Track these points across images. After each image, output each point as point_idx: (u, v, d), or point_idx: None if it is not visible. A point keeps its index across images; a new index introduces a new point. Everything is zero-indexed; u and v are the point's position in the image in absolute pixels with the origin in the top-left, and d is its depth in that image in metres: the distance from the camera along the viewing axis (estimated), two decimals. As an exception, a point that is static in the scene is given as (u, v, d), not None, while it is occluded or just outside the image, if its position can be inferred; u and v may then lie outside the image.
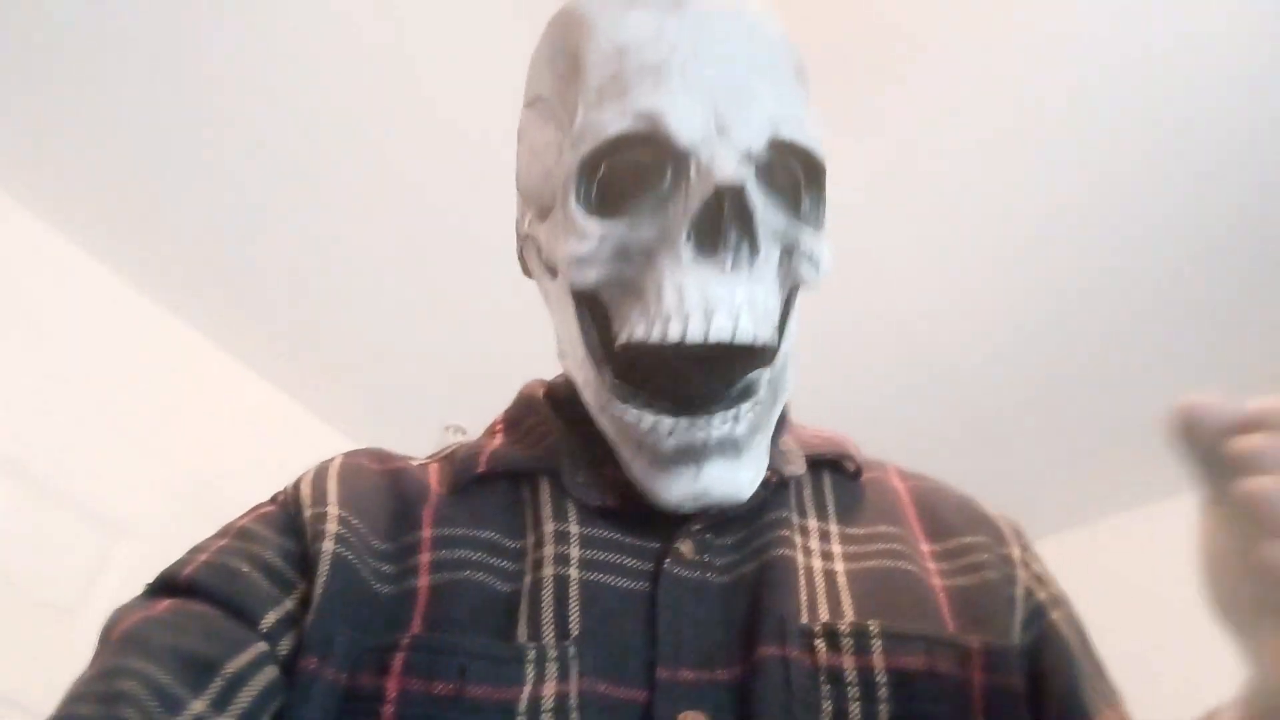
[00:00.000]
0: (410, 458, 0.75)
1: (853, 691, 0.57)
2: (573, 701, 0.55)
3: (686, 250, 0.61)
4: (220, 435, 2.65)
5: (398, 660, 0.56)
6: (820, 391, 2.52)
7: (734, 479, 0.63)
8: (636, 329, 0.62)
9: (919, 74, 1.94)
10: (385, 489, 0.68)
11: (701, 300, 0.60)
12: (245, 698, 0.54)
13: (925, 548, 0.69)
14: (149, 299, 2.59)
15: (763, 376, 0.65)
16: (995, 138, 2.05)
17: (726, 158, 0.62)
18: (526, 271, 0.78)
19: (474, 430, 2.75)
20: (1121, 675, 0.69)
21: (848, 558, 0.66)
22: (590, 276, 0.65)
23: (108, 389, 2.43)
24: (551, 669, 0.56)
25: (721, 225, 0.60)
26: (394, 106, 2.08)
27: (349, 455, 0.71)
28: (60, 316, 2.41)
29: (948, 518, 0.71)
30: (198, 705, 0.52)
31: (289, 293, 2.58)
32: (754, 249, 0.62)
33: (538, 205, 0.71)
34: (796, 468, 0.70)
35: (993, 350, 2.56)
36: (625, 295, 0.64)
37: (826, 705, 0.56)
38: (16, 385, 2.26)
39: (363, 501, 0.66)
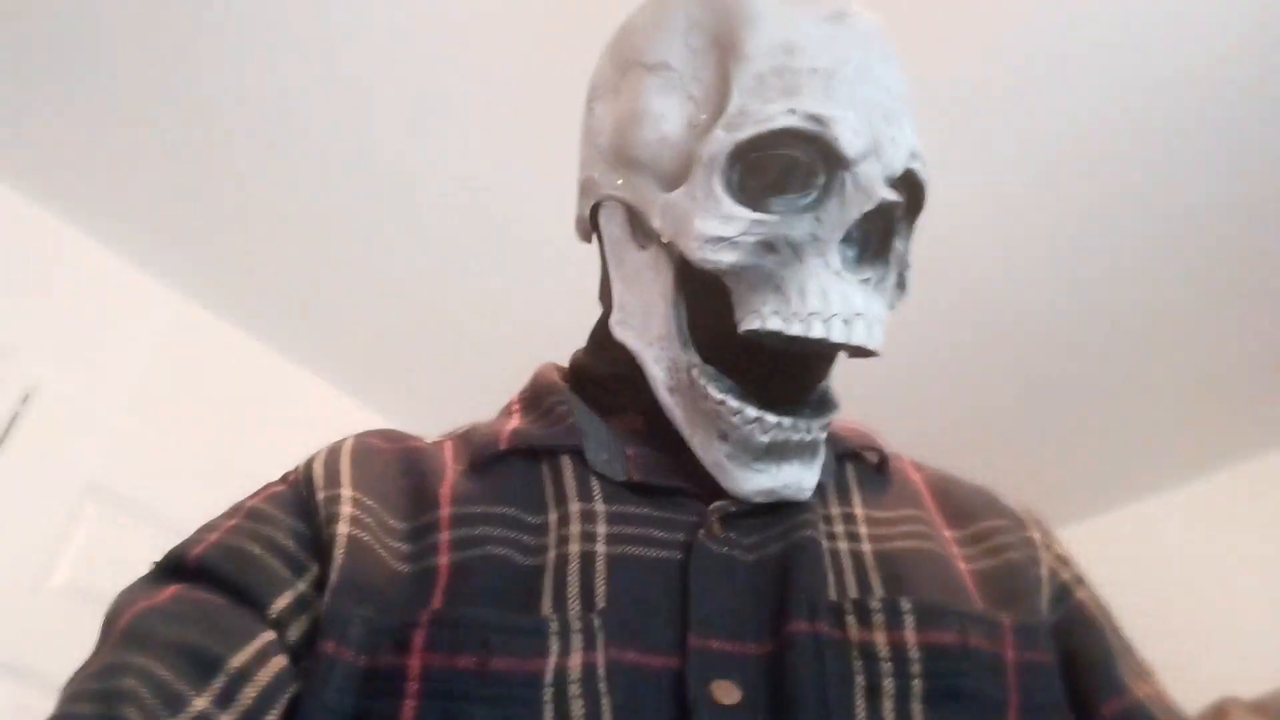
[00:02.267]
0: (422, 437, 0.75)
1: (886, 667, 0.56)
2: (600, 671, 0.54)
3: (839, 257, 0.63)
4: (299, 447, 2.69)
5: (418, 637, 0.55)
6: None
7: (806, 479, 0.65)
8: (770, 320, 0.63)
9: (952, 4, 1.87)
10: (399, 468, 0.68)
11: (846, 307, 0.62)
12: (250, 693, 0.53)
13: (948, 534, 0.69)
14: (220, 317, 2.60)
15: (830, 387, 0.69)
16: (1037, 83, 1.96)
17: (883, 178, 0.64)
18: (586, 234, 0.77)
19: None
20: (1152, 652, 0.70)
21: (874, 539, 0.66)
22: (727, 259, 0.64)
23: (188, 410, 2.48)
24: (577, 640, 0.55)
25: (876, 241, 0.64)
26: (430, 83, 2.05)
27: (360, 436, 0.71)
28: (137, 342, 2.45)
29: (966, 505, 0.72)
30: (200, 702, 0.51)
31: (361, 303, 2.52)
32: (885, 267, 0.66)
33: (649, 171, 0.70)
34: (826, 461, 0.71)
35: (1060, 304, 2.48)
36: (759, 285, 0.64)
37: (860, 680, 0.56)
38: (101, 413, 2.32)
39: (377, 482, 0.65)
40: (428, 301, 2.57)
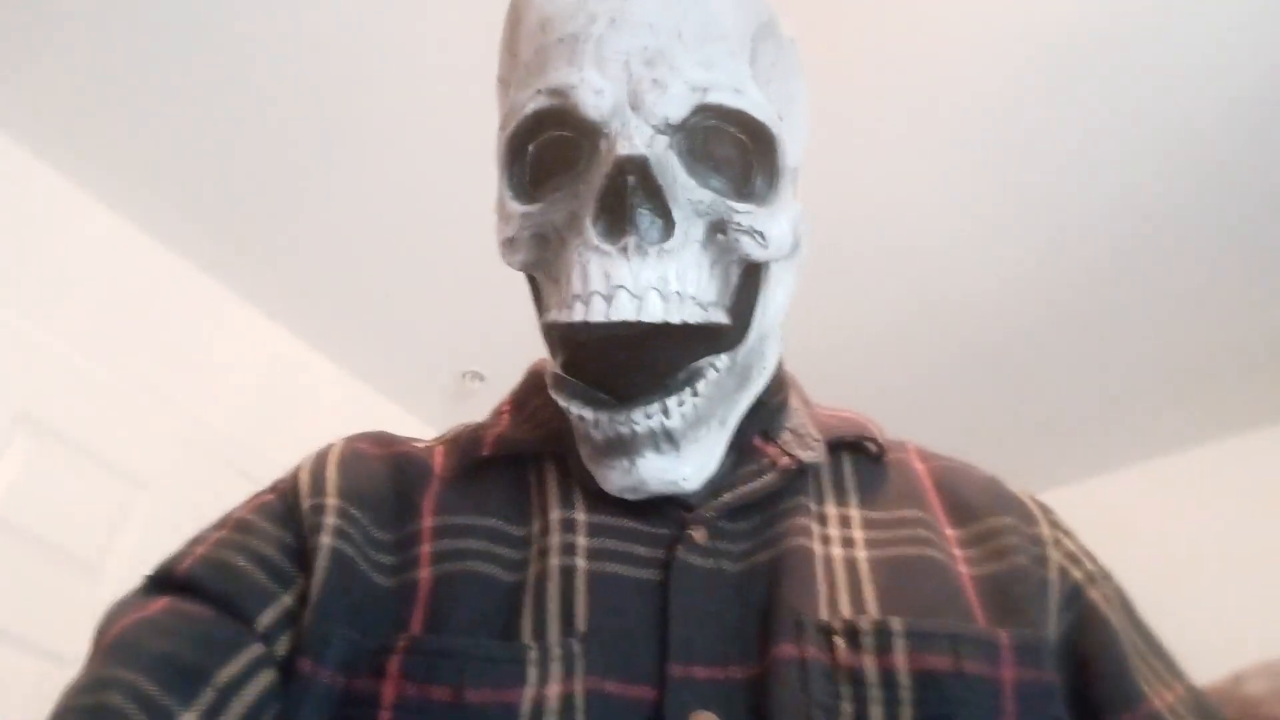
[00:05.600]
0: (415, 440, 0.73)
1: (874, 694, 0.54)
2: (578, 702, 0.53)
3: (592, 230, 0.58)
4: (238, 384, 2.66)
5: (394, 663, 0.54)
6: (828, 324, 2.55)
7: (673, 470, 0.61)
8: (552, 313, 0.61)
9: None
10: (387, 476, 0.66)
11: (604, 281, 0.58)
12: (238, 708, 0.52)
13: (950, 533, 0.66)
14: (165, 248, 2.58)
15: (711, 365, 0.62)
16: (1014, 64, 2.00)
17: (636, 131, 0.59)
18: None
19: (492, 378, 2.74)
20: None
21: (870, 544, 0.64)
22: (517, 259, 0.64)
23: (126, 342, 2.43)
24: (555, 669, 0.54)
25: (626, 202, 0.58)
26: (411, 49, 2.04)
27: (350, 440, 0.69)
28: (77, 270, 2.40)
29: (972, 500, 0.68)
30: (188, 717, 0.51)
31: (307, 241, 2.56)
32: (667, 225, 0.59)
33: None
34: (816, 454, 0.67)
35: (1005, 286, 2.54)
36: (547, 278, 0.63)
37: (846, 708, 0.54)
38: (35, 341, 2.26)
39: (363, 490, 0.64)
40: (378, 244, 2.54)
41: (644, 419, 0.60)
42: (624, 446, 0.61)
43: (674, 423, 0.60)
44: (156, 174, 2.38)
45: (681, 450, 0.61)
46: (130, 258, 2.51)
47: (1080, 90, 2.03)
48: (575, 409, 0.61)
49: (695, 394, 0.61)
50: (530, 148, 0.63)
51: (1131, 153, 2.15)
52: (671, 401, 0.60)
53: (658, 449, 0.61)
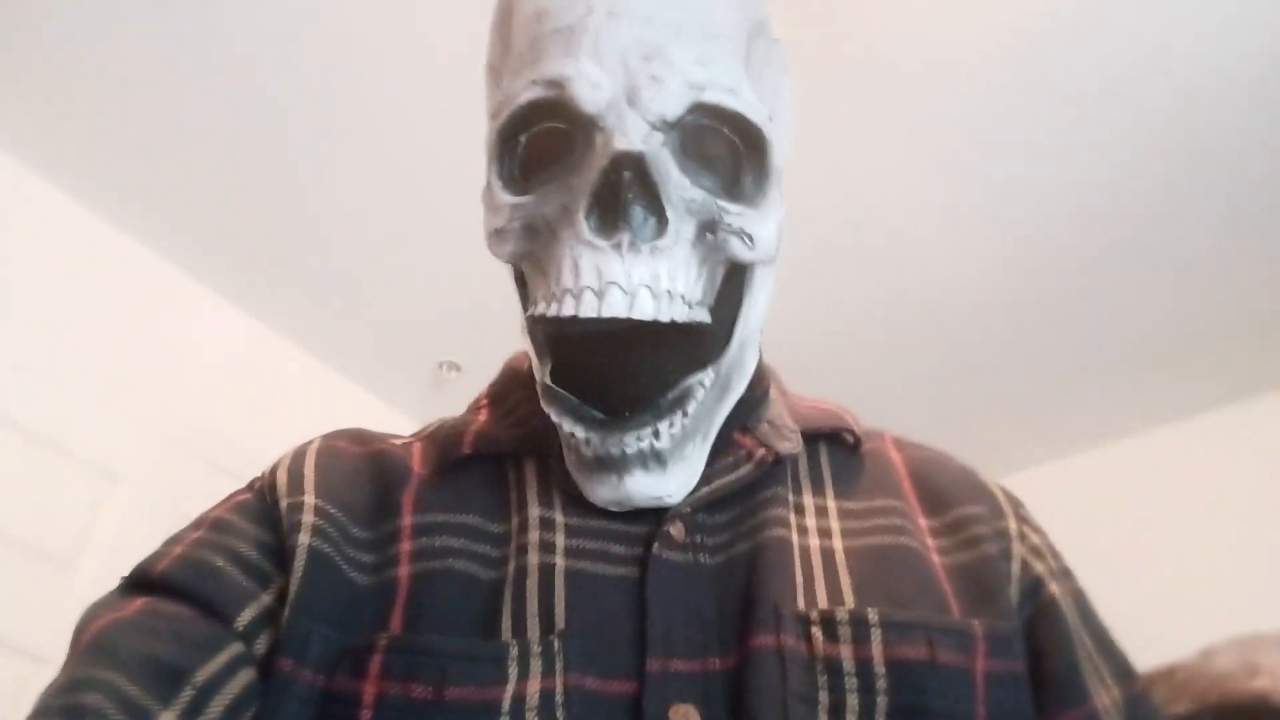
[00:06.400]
0: (392, 436, 0.72)
1: (850, 683, 0.55)
2: (558, 698, 0.53)
3: (585, 225, 0.58)
4: (212, 376, 2.64)
5: (375, 662, 0.54)
6: (801, 317, 2.56)
7: (659, 486, 0.61)
8: (540, 305, 0.60)
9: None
10: (365, 473, 0.66)
11: (596, 277, 0.57)
12: (217, 706, 0.52)
13: (924, 522, 0.66)
14: (133, 239, 2.55)
15: (700, 383, 0.62)
16: (984, 61, 2.02)
17: (632, 126, 0.59)
18: None
19: (468, 368, 2.74)
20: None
21: (846, 534, 0.64)
22: (505, 250, 0.64)
23: (96, 335, 2.41)
24: (536, 665, 0.54)
25: (621, 198, 0.57)
26: (389, 34, 2.02)
27: (327, 438, 0.69)
28: (47, 262, 2.37)
29: (945, 489, 0.69)
30: (167, 717, 0.51)
31: (280, 230, 2.55)
32: (660, 223, 0.58)
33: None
34: (792, 445, 0.67)
35: (975, 274, 2.56)
36: (535, 271, 0.63)
37: (823, 697, 0.55)
38: (6, 335, 2.23)
39: (342, 488, 0.64)
40: (353, 232, 2.53)
41: (635, 441, 0.60)
42: (613, 465, 0.61)
43: (663, 444, 0.61)
44: (124, 163, 2.35)
45: (668, 468, 0.62)
46: (97, 248, 2.48)
47: (1049, 85, 2.04)
48: (567, 425, 0.61)
49: (685, 415, 0.61)
50: (522, 138, 0.63)
51: (1097, 147, 2.17)
52: (663, 425, 0.60)
53: (645, 468, 0.61)
